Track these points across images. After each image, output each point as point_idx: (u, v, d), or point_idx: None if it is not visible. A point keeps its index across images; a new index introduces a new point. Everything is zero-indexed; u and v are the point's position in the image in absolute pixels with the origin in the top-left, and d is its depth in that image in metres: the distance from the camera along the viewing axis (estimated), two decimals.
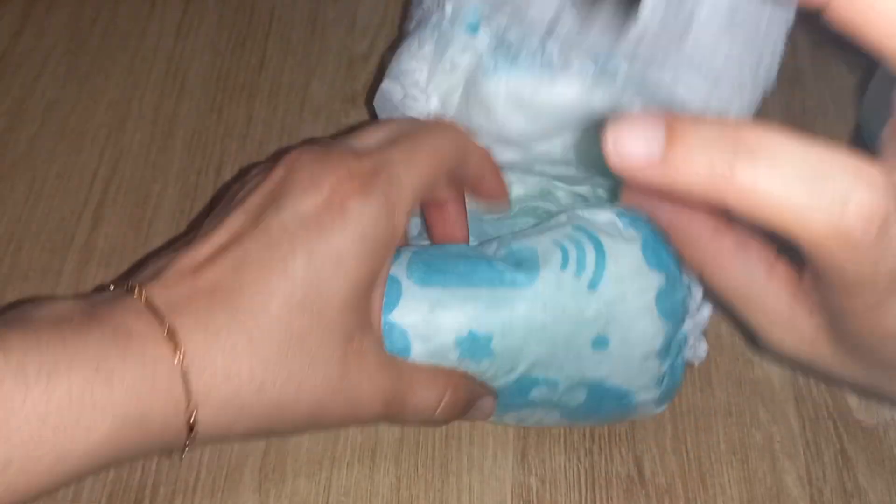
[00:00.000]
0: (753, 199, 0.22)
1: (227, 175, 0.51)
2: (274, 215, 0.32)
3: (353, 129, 0.38)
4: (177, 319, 0.30)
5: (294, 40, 0.57)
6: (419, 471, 0.41)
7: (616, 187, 0.40)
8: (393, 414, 0.35)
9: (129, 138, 0.52)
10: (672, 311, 0.36)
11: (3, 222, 0.49)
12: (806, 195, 0.22)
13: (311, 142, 0.36)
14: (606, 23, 0.35)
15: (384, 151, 0.34)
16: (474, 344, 0.35)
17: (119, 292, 0.32)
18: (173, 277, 0.32)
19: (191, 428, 0.31)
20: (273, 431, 0.34)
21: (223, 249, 0.32)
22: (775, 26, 0.36)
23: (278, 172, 0.34)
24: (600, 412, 0.39)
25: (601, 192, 0.42)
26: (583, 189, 0.42)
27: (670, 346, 0.37)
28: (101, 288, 0.34)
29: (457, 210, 0.39)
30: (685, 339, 0.38)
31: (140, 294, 0.31)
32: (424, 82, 0.38)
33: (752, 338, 0.31)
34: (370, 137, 0.36)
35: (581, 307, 0.35)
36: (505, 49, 0.36)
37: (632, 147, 0.22)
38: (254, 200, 0.34)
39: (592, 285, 0.35)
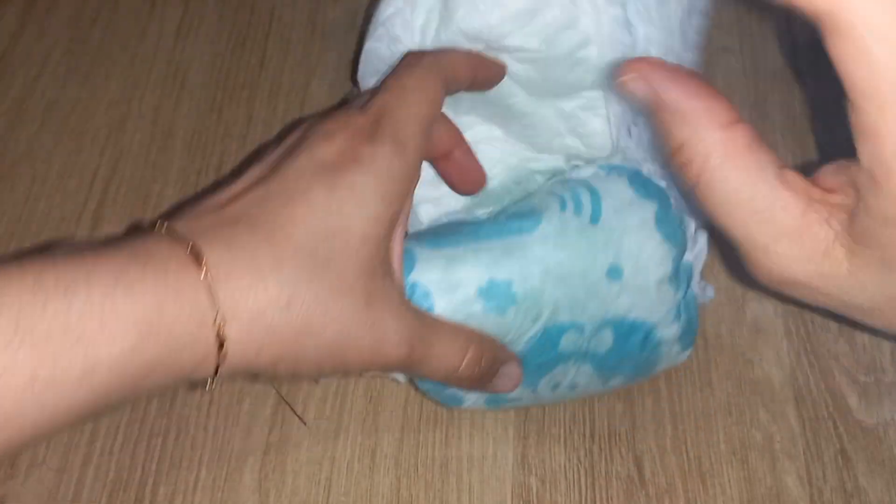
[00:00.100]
0: None
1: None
2: (292, 162, 0.33)
3: None
4: (200, 241, 0.30)
5: (294, 40, 0.57)
6: (419, 471, 0.41)
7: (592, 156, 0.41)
8: (417, 360, 0.35)
9: (129, 138, 0.52)
10: (673, 234, 0.38)
11: (3, 222, 0.49)
12: None
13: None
14: None
15: (378, 100, 0.35)
16: (496, 290, 0.36)
17: (140, 230, 0.32)
18: (196, 213, 0.32)
19: (220, 345, 0.30)
20: (299, 363, 0.33)
21: (245, 190, 0.33)
22: None
23: (293, 135, 0.36)
24: (629, 357, 0.39)
25: (579, 161, 0.43)
26: (559, 161, 0.42)
27: (679, 273, 0.39)
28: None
29: (463, 153, 0.39)
30: (691, 270, 0.39)
31: (162, 226, 0.31)
32: (409, 16, 0.39)
33: (740, 271, 0.28)
34: (364, 96, 0.37)
35: (589, 241, 0.37)
36: None
37: None
38: (272, 156, 0.35)
39: (594, 219, 0.37)
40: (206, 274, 0.29)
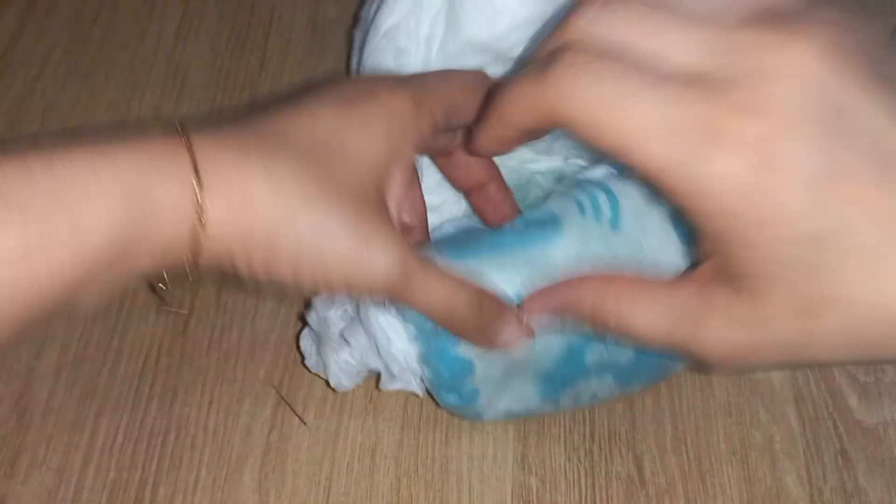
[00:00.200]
0: None
1: None
2: (314, 92, 0.34)
3: None
4: (193, 133, 0.30)
5: (294, 40, 0.57)
6: (419, 471, 0.41)
7: (590, 153, 0.41)
8: (408, 287, 0.34)
9: None
10: (690, 236, 0.37)
11: None
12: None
13: None
14: None
15: (417, 78, 0.36)
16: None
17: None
18: (195, 134, 0.32)
19: (202, 223, 0.29)
20: (276, 253, 0.32)
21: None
22: None
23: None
24: (649, 365, 0.39)
25: (579, 161, 0.42)
26: (557, 161, 0.42)
27: None
28: None
29: (497, 188, 0.39)
30: None
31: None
32: (414, 26, 0.38)
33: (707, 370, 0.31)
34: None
35: (611, 250, 0.36)
36: None
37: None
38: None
39: (614, 225, 0.36)
40: (191, 154, 0.29)
